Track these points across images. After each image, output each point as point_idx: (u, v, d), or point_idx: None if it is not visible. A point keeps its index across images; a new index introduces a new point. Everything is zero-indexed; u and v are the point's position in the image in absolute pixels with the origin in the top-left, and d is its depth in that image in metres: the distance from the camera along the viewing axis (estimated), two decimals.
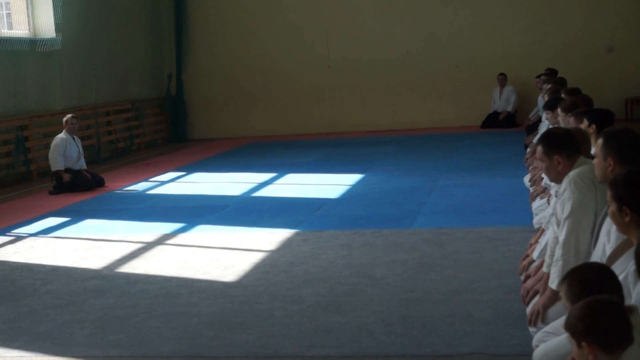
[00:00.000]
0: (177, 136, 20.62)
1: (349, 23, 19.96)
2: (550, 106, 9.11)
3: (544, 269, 4.96)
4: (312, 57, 20.22)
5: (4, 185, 13.99)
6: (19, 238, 9.51)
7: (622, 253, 3.71)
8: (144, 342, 5.68)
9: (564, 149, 4.91)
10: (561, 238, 4.64)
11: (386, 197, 10.82)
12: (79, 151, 13.18)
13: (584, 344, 2.98)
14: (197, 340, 5.66)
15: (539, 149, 5.02)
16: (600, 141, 4.34)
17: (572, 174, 4.78)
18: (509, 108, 18.85)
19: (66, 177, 12.75)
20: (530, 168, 10.25)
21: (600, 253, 4.11)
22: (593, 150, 5.15)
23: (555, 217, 4.89)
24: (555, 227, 4.84)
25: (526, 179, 10.12)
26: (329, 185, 12.17)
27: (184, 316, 6.20)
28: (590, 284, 3.17)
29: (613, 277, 3.28)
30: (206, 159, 16.57)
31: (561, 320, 3.66)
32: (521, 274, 5.84)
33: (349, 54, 20.03)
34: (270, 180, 13.03)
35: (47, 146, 13.66)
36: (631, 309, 3.18)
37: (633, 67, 18.70)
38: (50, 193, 12.75)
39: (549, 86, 11.67)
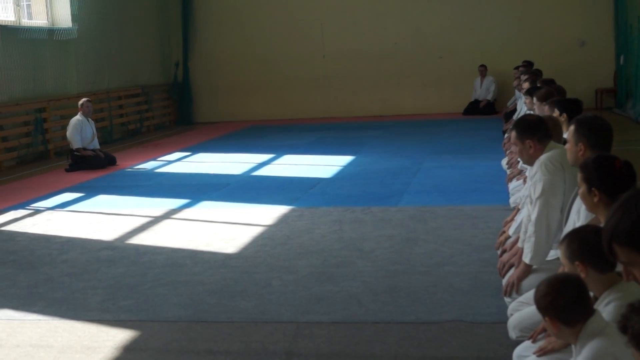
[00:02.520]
0: (183, 119, 20.58)
1: (342, 17, 19.91)
2: (530, 92, 9.14)
3: (519, 244, 4.98)
4: (309, 47, 20.17)
5: (23, 162, 13.97)
6: (37, 211, 9.50)
7: None
8: (151, 307, 5.70)
9: (535, 134, 4.93)
10: (533, 216, 4.66)
11: (375, 177, 10.83)
12: (93, 132, 13.20)
13: (547, 318, 3.01)
14: (200, 306, 5.67)
15: (513, 133, 5.04)
16: (572, 127, 4.35)
17: (542, 157, 4.80)
18: (489, 97, 18.85)
19: (88, 152, 12.82)
20: (507, 152, 10.26)
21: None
22: (565, 136, 5.16)
23: (529, 197, 4.91)
24: (529, 206, 4.86)
25: (504, 162, 10.14)
26: (322, 165, 12.17)
27: (188, 284, 6.21)
28: (589, 242, 3.15)
29: None
30: (210, 140, 16.55)
31: (533, 291, 3.68)
32: (498, 249, 5.86)
33: (342, 45, 19.98)
34: (269, 160, 13.02)
35: (64, 127, 13.67)
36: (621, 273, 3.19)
37: (603, 60, 18.69)
38: (66, 170, 12.74)
39: (526, 77, 11.65)
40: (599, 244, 3.09)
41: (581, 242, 3.18)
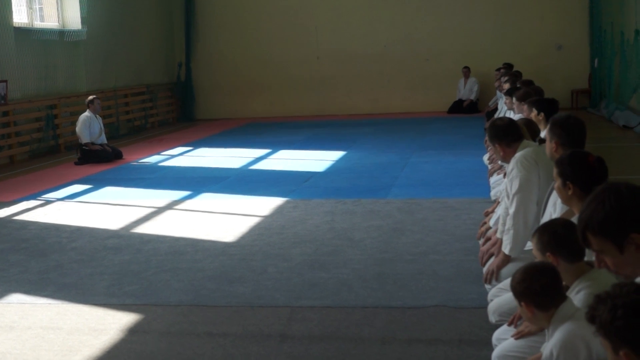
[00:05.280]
0: (186, 116, 20.54)
1: (335, 21, 19.88)
2: (510, 93, 9.15)
3: (497, 235, 4.99)
4: (304, 50, 20.14)
5: (35, 156, 13.93)
6: (48, 202, 9.48)
7: None
8: (155, 292, 5.69)
9: (503, 139, 4.97)
10: (511, 210, 4.67)
11: (365, 171, 10.82)
12: (101, 128, 13.17)
13: (522, 303, 3.02)
14: (200, 291, 5.67)
15: (486, 137, 5.09)
16: (548, 126, 4.37)
17: (517, 155, 4.82)
18: (472, 96, 18.86)
19: (96, 146, 12.81)
20: (489, 148, 10.26)
21: None
22: (543, 134, 5.18)
23: (505, 192, 4.92)
24: (506, 200, 4.87)
25: (485, 158, 10.14)
26: (316, 160, 12.16)
27: (189, 271, 6.20)
28: (558, 234, 3.16)
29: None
30: (211, 136, 16.52)
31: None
32: (479, 239, 5.87)
33: (335, 47, 19.96)
34: (266, 155, 13.01)
35: (73, 123, 13.66)
36: (591, 263, 3.20)
37: (578, 63, 18.73)
38: (76, 164, 12.71)
39: (506, 78, 11.65)
40: (567, 236, 3.12)
41: (551, 235, 3.19)
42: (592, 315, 1.99)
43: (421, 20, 19.50)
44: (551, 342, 2.92)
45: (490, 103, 16.82)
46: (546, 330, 3.06)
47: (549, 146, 4.33)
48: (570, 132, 4.27)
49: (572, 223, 3.30)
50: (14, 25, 13.73)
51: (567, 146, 4.16)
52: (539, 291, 2.97)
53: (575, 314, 2.92)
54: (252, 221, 7.90)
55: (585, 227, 2.38)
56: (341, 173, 10.81)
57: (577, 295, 3.10)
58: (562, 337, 2.88)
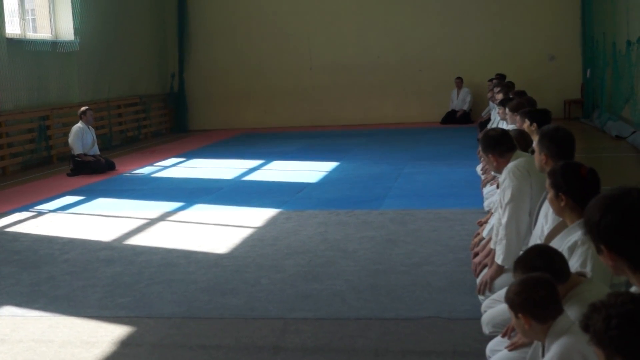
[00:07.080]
0: (179, 127, 20.53)
1: (328, 31, 19.93)
2: (503, 103, 9.19)
3: (491, 245, 5.00)
4: (297, 60, 20.17)
5: (27, 167, 13.89)
6: (40, 214, 9.45)
7: (558, 232, 3.73)
8: (147, 304, 5.67)
9: (496, 149, 5.00)
10: (504, 220, 4.68)
11: (358, 182, 10.82)
12: (93, 139, 13.15)
13: (520, 315, 3.01)
14: (193, 303, 5.65)
15: (479, 147, 5.11)
16: (537, 138, 4.40)
17: (510, 165, 4.84)
18: (465, 107, 18.90)
19: (89, 158, 12.79)
20: (482, 159, 10.28)
21: (539, 232, 4.14)
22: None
23: (499, 202, 4.94)
24: (500, 210, 4.88)
25: (478, 168, 10.17)
26: (309, 171, 12.15)
27: (182, 283, 6.18)
28: (539, 267, 3.14)
29: (555, 253, 3.25)
30: (204, 147, 16.50)
31: (505, 290, 3.68)
32: (473, 250, 5.87)
33: (328, 57, 20.00)
34: (259, 166, 13.00)
35: (66, 134, 13.62)
36: (583, 274, 3.19)
37: (571, 74, 18.80)
38: (68, 175, 12.68)
39: (499, 89, 11.68)
40: (550, 264, 3.12)
41: (536, 269, 3.14)
42: (586, 324, 1.99)
43: (414, 30, 19.56)
44: (548, 357, 2.92)
45: (483, 114, 16.86)
46: (539, 343, 3.05)
47: (538, 158, 4.34)
48: (559, 145, 4.29)
49: (543, 250, 3.29)
50: (7, 36, 13.71)
51: (556, 158, 4.18)
52: (538, 302, 2.95)
53: (572, 327, 2.91)
54: (245, 232, 7.89)
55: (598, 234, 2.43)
56: (334, 184, 10.81)
57: (571, 306, 3.10)
58: (559, 351, 2.87)
